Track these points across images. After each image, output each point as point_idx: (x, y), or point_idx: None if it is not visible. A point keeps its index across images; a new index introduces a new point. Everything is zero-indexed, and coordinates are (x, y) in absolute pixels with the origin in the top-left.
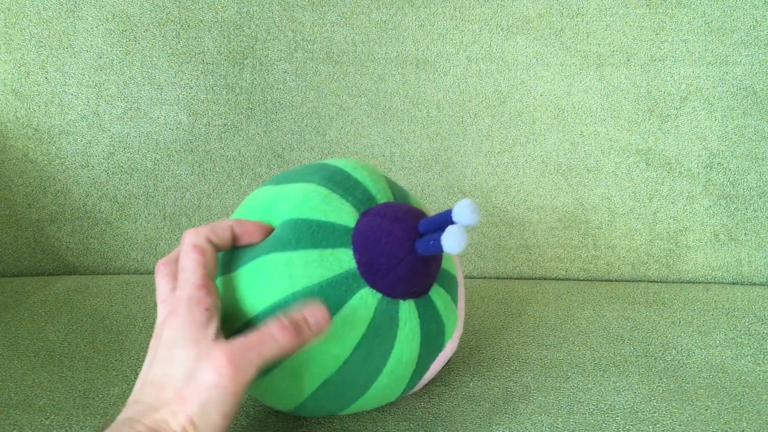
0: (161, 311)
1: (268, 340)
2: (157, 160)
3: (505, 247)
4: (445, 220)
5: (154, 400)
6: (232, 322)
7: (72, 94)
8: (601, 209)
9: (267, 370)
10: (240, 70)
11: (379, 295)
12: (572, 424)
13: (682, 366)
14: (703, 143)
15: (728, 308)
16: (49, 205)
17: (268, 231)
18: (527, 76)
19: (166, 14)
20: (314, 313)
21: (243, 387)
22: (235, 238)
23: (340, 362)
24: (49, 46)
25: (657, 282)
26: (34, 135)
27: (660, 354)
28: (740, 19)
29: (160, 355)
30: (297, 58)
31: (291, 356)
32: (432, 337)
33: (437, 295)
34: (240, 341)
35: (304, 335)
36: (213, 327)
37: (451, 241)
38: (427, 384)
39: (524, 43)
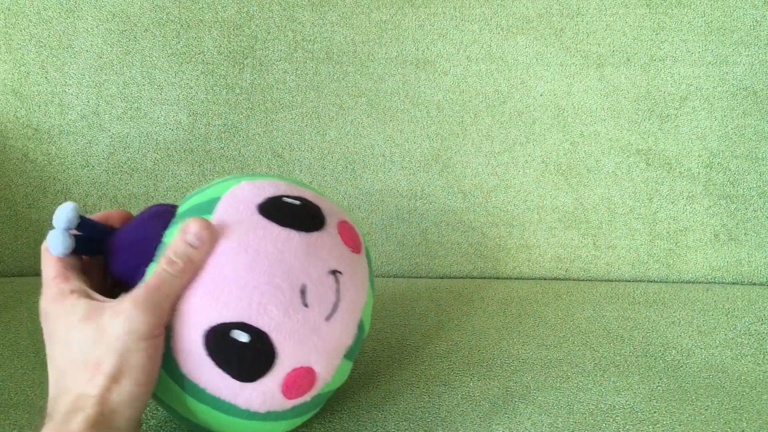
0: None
1: (163, 277)
2: (157, 160)
3: (505, 247)
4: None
5: (67, 385)
6: None
7: (72, 94)
8: (601, 209)
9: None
10: (240, 70)
11: None
12: (572, 424)
13: (682, 366)
14: (703, 143)
15: (728, 308)
16: (49, 205)
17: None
18: (527, 76)
19: (166, 14)
20: (189, 229)
21: (156, 329)
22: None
23: None
24: (49, 46)
25: (657, 282)
26: (34, 135)
27: (660, 354)
28: (740, 19)
29: (54, 355)
30: (297, 58)
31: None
32: None
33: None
34: (140, 289)
35: (192, 256)
36: (88, 299)
37: (52, 243)
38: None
39: (524, 43)
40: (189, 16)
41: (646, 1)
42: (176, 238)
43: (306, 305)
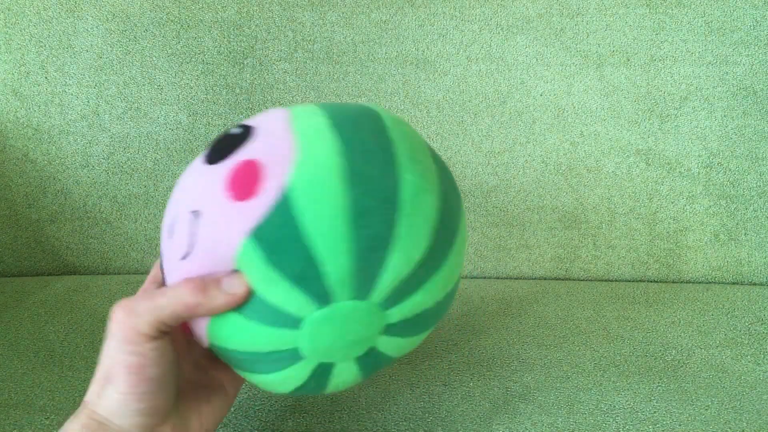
0: None
1: (168, 291)
2: (157, 160)
3: (505, 247)
4: None
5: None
6: None
7: (72, 94)
8: (601, 209)
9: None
10: (240, 70)
11: None
12: (572, 424)
13: (682, 366)
14: (703, 143)
15: (728, 308)
16: (49, 205)
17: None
18: (527, 76)
19: (166, 14)
20: (231, 279)
21: (136, 334)
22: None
23: None
24: (49, 46)
25: (657, 282)
26: (34, 135)
27: (660, 354)
28: (740, 19)
29: None
30: (297, 58)
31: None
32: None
33: None
34: (139, 294)
35: (210, 294)
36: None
37: None
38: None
39: (524, 43)
40: (189, 16)
41: (646, 1)
42: (211, 276)
43: (171, 238)
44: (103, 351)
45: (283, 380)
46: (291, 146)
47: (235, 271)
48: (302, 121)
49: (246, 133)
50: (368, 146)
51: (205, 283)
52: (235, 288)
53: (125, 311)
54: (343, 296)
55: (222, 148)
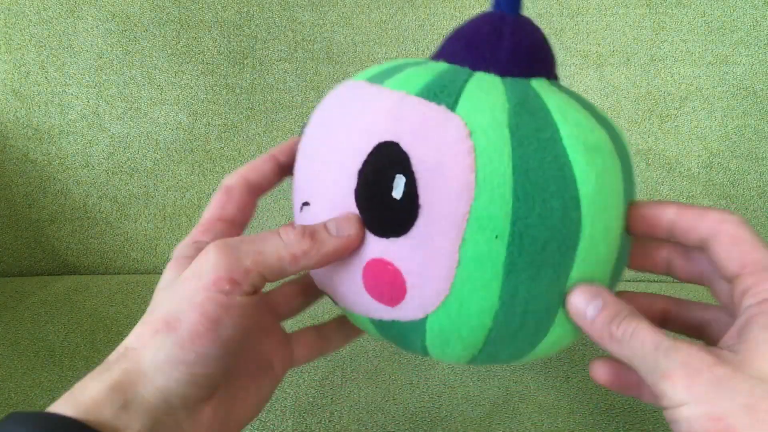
0: None
1: (270, 237)
2: (157, 160)
3: None
4: None
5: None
6: None
7: (72, 94)
8: None
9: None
10: (240, 70)
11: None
12: (572, 424)
13: None
14: (703, 143)
15: None
16: (49, 205)
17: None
18: None
19: (166, 14)
20: (339, 220)
21: (229, 279)
22: (282, 167)
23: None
24: (49, 46)
25: (657, 282)
26: (34, 135)
27: None
28: (740, 19)
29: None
30: (297, 58)
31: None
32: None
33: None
34: (237, 236)
35: (320, 238)
36: None
37: None
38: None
39: None
40: (189, 16)
41: (646, 1)
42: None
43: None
44: (168, 293)
45: None
46: (448, 278)
47: (348, 214)
48: (478, 222)
49: (411, 212)
50: (526, 306)
51: (313, 229)
52: (345, 230)
53: (223, 250)
54: None
55: (381, 210)
